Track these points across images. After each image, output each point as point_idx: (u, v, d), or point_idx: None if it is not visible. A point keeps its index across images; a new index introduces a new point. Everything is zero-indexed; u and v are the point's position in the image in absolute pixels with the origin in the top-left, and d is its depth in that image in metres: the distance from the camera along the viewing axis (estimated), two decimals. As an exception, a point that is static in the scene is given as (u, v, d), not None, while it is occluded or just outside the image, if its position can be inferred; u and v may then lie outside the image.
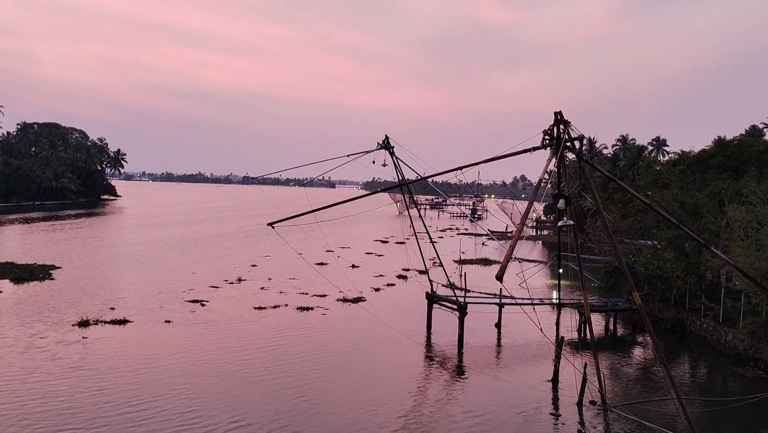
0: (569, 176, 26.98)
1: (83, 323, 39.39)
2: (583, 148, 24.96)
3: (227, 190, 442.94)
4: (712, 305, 41.46)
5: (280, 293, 53.18)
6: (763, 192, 39.63)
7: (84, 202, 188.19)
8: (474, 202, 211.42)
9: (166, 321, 41.32)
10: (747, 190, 42.66)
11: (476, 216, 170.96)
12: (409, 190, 44.75)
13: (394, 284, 60.69)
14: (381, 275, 64.65)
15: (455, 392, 31.14)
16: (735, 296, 39.25)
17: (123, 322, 40.54)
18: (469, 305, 40.26)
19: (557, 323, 41.79)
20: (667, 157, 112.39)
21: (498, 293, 42.55)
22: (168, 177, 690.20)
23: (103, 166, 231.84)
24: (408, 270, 65.09)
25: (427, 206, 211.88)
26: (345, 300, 50.20)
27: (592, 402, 28.27)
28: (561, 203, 23.08)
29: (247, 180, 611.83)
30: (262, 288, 55.15)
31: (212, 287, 54.56)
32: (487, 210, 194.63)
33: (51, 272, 58.73)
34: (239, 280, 58.85)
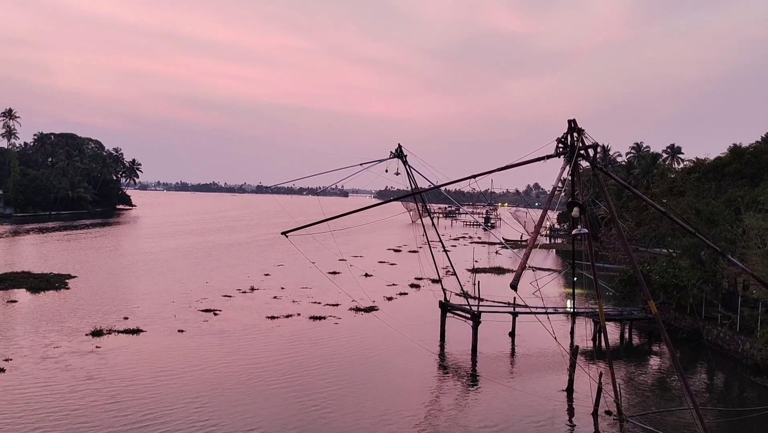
0: (583, 184, 26.86)
1: (96, 333, 39.58)
2: (597, 156, 24.80)
3: (241, 199, 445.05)
4: (728, 313, 40.99)
5: (293, 302, 53.23)
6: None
7: (99, 212, 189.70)
8: (487, 211, 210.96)
9: (179, 330, 41.45)
10: (763, 198, 42.33)
11: (489, 225, 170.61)
12: (422, 198, 44.69)
13: (406, 293, 60.58)
14: (394, 284, 64.55)
15: (469, 402, 30.97)
16: (752, 304, 38.83)
17: (136, 331, 40.69)
18: (482, 313, 40.10)
19: (572, 332, 41.50)
20: (682, 165, 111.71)
21: (512, 301, 42.35)
22: (182, 186, 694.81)
23: (119, 176, 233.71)
24: (421, 279, 64.95)
25: (440, 215, 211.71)
26: (358, 309, 50.15)
27: (608, 412, 27.98)
28: (575, 211, 22.98)
29: (260, 189, 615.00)
30: (275, 297, 55.23)
31: (225, 296, 54.71)
32: (500, 218, 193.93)
33: (66, 281, 59.16)
34: (252, 289, 58.99)
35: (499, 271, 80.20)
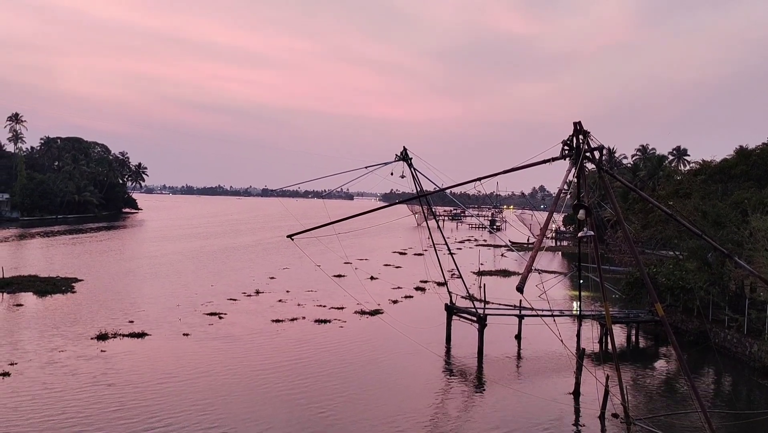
0: (589, 187, 26.77)
1: (102, 336, 39.66)
2: (603, 158, 24.72)
3: (246, 202, 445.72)
4: (736, 316, 40.76)
5: (298, 305, 53.23)
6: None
7: (106, 216, 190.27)
8: (493, 214, 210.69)
9: (184, 334, 41.48)
10: (770, 200, 42.07)
11: (495, 227, 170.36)
12: (427, 201, 44.65)
13: (412, 296, 60.51)
14: (399, 287, 64.50)
15: (475, 405, 30.89)
16: (760, 307, 38.61)
17: (141, 335, 40.73)
18: (488, 316, 40.01)
19: (578, 335, 41.36)
20: (688, 167, 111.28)
21: (518, 304, 42.25)
22: (188, 190, 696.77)
23: (125, 179, 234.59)
24: (426, 282, 64.85)
25: (446, 218, 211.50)
26: (363, 312, 50.09)
27: (615, 415, 27.86)
28: (581, 214, 22.87)
29: (266, 192, 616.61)
30: (280, 300, 55.24)
31: (230, 299, 54.75)
32: (506, 221, 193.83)
33: (73, 284, 59.35)
34: (257, 292, 59.02)
35: (505, 274, 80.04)
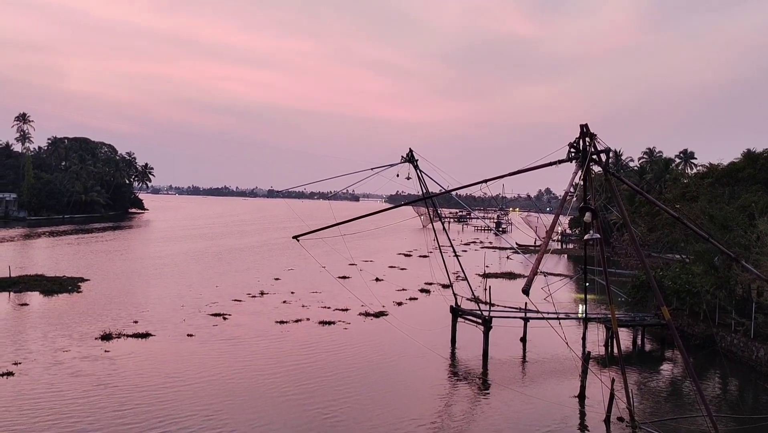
0: (595, 189, 26.68)
1: (106, 336, 39.63)
2: (610, 161, 24.64)
3: (252, 203, 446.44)
4: (742, 320, 40.53)
5: (303, 306, 53.22)
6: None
7: (112, 216, 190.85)
8: (498, 216, 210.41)
9: (188, 335, 41.47)
10: (778, 204, 41.86)
11: (501, 229, 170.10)
12: (433, 203, 44.62)
13: (416, 298, 60.43)
14: (404, 289, 64.44)
15: (480, 407, 30.80)
16: (766, 311, 38.39)
17: (145, 336, 40.68)
18: (493, 318, 39.90)
19: (583, 338, 41.16)
20: (695, 170, 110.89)
21: (523, 306, 42.13)
22: (194, 190, 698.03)
23: (131, 179, 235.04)
24: (431, 284, 64.71)
25: (451, 219, 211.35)
26: (367, 314, 50.03)
27: (620, 419, 27.72)
28: (587, 216, 22.82)
29: (272, 193, 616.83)
30: (285, 302, 55.24)
31: (235, 300, 54.78)
32: (511, 223, 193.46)
33: (79, 284, 59.47)
34: (262, 293, 59.03)
35: (510, 276, 79.89)
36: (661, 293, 29.71)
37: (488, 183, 26.98)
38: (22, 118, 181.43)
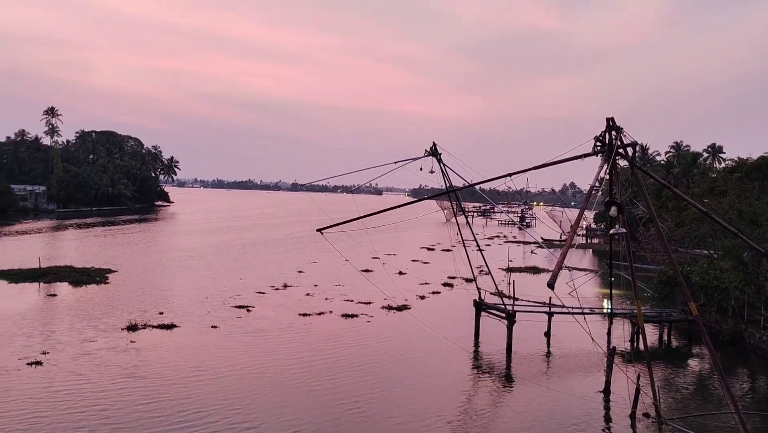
0: (621, 183, 26.36)
1: (132, 327, 40.20)
2: (636, 154, 24.31)
3: (276, 196, 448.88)
4: (772, 316, 39.88)
5: (326, 299, 53.45)
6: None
7: (139, 208, 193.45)
8: (522, 210, 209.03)
9: (212, 327, 41.88)
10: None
11: (525, 224, 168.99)
12: (456, 197, 44.43)
13: (439, 292, 60.35)
14: (426, 283, 64.39)
15: (504, 401, 30.70)
16: (797, 307, 37.66)
17: (170, 327, 41.18)
18: (517, 313, 39.71)
19: (608, 333, 40.85)
20: (723, 165, 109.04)
21: (547, 301, 41.86)
22: (219, 184, 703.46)
23: (157, 173, 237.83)
24: (454, 278, 64.58)
25: (475, 214, 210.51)
26: (390, 308, 50.06)
27: (646, 414, 27.44)
28: (613, 211, 22.53)
29: (295, 187, 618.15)
30: (308, 294, 55.52)
31: (259, 292, 55.19)
32: (536, 218, 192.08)
33: (107, 275, 60.39)
34: (285, 286, 59.38)
35: (534, 270, 79.34)
36: (688, 289, 29.31)
37: (512, 177, 26.76)
38: (51, 111, 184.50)
